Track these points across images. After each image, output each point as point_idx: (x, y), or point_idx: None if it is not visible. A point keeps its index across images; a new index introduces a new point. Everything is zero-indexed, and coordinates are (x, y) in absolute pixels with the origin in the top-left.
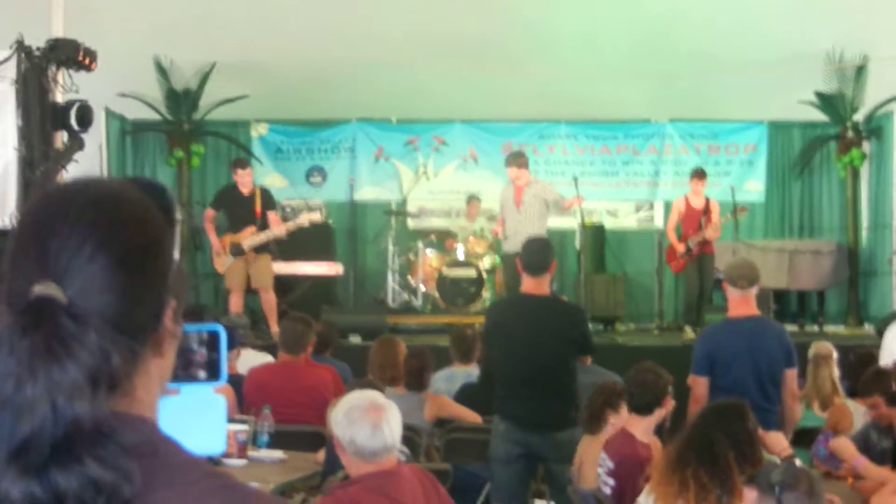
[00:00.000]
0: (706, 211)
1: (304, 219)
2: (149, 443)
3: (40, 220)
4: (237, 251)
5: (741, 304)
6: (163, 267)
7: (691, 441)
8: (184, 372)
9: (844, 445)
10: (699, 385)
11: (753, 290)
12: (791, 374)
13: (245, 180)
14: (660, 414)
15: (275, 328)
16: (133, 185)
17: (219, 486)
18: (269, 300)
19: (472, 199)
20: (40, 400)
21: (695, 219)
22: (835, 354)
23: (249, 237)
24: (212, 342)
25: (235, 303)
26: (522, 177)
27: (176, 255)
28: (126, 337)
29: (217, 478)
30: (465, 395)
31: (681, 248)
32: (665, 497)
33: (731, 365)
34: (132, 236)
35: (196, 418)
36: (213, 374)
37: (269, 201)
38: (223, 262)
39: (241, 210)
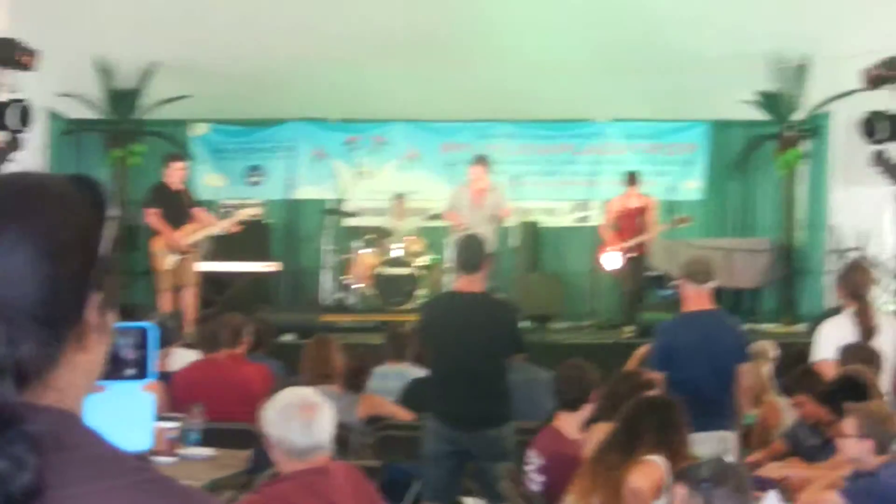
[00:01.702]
0: (643, 210)
1: (243, 213)
2: (60, 434)
3: None
4: (180, 250)
5: (697, 299)
6: (85, 260)
7: (620, 430)
8: (112, 369)
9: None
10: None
11: (710, 286)
12: (744, 369)
13: (178, 175)
14: (588, 409)
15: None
16: (66, 179)
17: (143, 480)
18: (193, 297)
19: (399, 197)
20: None
21: (631, 217)
22: (772, 353)
23: (189, 235)
24: (140, 340)
25: (171, 301)
26: (484, 180)
27: (103, 249)
28: (44, 328)
29: (142, 472)
30: (412, 393)
31: (621, 249)
32: (579, 492)
33: (690, 359)
34: (54, 228)
35: (124, 415)
36: (142, 371)
37: (193, 199)
38: (169, 261)
39: (176, 208)
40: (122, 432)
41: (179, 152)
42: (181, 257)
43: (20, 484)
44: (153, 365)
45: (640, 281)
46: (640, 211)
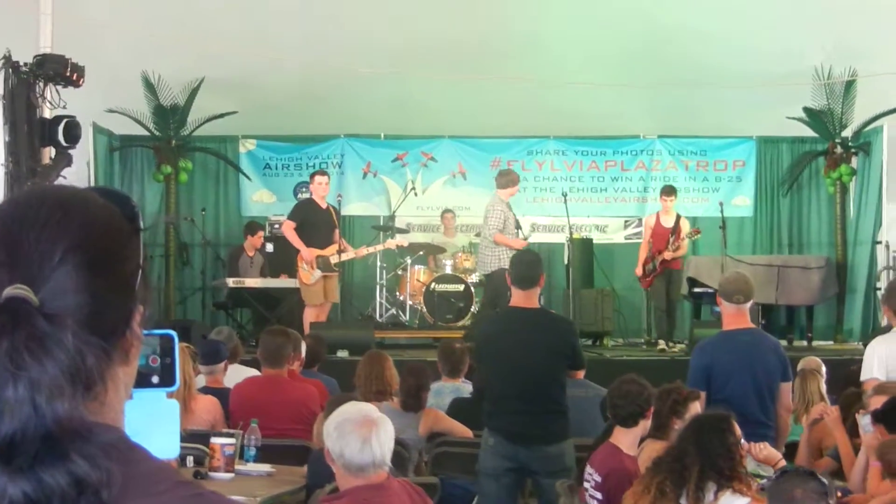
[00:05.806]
0: (675, 231)
1: (391, 243)
2: (122, 448)
3: (8, 223)
4: (327, 267)
5: (736, 318)
6: (130, 271)
7: (669, 451)
8: (137, 377)
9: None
10: None
11: (748, 305)
12: (786, 388)
13: (323, 190)
14: (645, 425)
15: None
16: (96, 192)
17: (189, 496)
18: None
19: (447, 213)
20: (22, 400)
21: (663, 237)
22: (823, 368)
23: (336, 254)
24: (165, 348)
25: (315, 316)
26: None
27: (141, 262)
28: (100, 340)
29: (187, 487)
30: (458, 410)
31: (638, 271)
32: (632, 497)
33: (730, 378)
34: (100, 239)
35: (149, 424)
36: (167, 379)
37: (335, 219)
38: (311, 275)
39: (322, 226)
40: (148, 441)
41: (322, 168)
42: (323, 275)
43: (103, 497)
44: (178, 373)
45: (673, 296)
46: (672, 231)
